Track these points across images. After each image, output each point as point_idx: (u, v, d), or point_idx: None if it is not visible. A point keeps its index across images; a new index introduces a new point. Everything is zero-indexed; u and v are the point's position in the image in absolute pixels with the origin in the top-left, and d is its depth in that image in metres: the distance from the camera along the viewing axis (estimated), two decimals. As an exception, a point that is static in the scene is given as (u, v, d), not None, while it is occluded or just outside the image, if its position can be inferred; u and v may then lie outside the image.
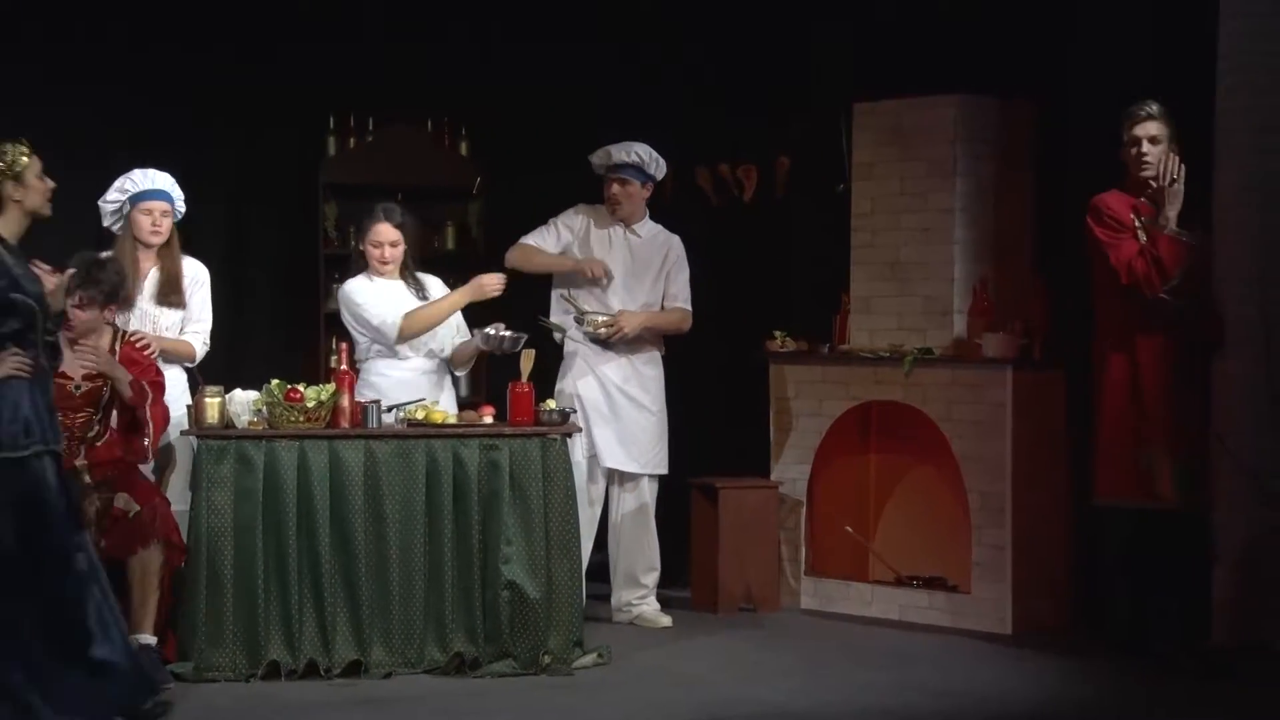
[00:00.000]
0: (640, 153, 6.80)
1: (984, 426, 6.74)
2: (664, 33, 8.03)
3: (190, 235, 6.53)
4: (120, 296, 5.90)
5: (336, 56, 7.91)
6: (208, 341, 6.36)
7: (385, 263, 6.39)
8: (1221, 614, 6.14)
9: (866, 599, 7.14)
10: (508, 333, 6.28)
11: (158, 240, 6.26)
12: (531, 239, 6.85)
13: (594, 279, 6.75)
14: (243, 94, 7.82)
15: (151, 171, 6.30)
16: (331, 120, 8.09)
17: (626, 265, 6.83)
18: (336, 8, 7.90)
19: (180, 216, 6.35)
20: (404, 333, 6.30)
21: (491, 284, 6.31)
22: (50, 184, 5.10)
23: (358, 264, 6.53)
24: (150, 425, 5.84)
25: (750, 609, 7.20)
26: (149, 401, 5.85)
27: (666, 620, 6.87)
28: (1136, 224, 6.14)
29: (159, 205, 6.25)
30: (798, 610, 7.24)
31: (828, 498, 7.36)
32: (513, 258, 6.85)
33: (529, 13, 8.09)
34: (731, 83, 7.91)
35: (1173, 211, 6.08)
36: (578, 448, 6.60)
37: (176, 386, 6.21)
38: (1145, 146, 6.13)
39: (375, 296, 6.38)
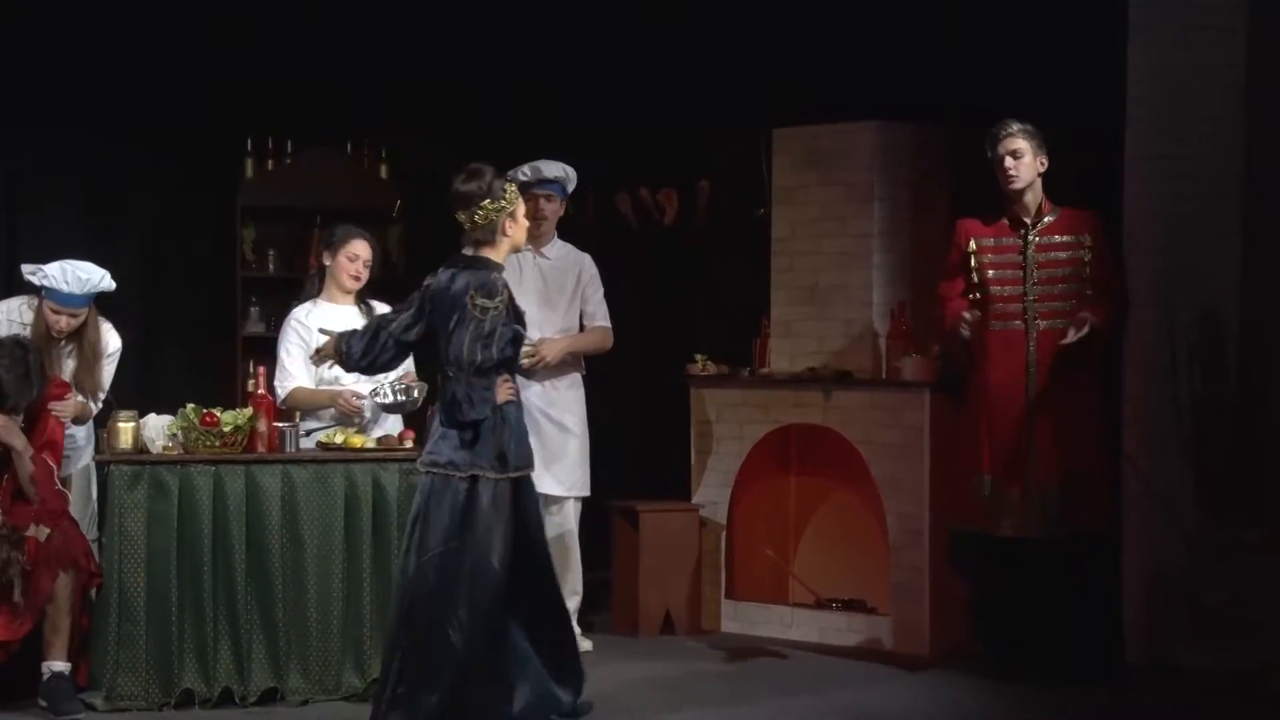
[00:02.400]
0: (565, 168, 6.80)
1: (902, 449, 6.79)
2: (585, 57, 8.05)
3: (105, 257, 6.42)
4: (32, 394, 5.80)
5: (255, 77, 7.85)
6: (100, 403, 6.19)
7: (357, 278, 6.34)
8: (1133, 633, 6.23)
9: (787, 622, 7.16)
10: (402, 397, 6.10)
11: (62, 335, 6.02)
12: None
13: None
14: (159, 115, 7.75)
15: (71, 274, 5.94)
16: (249, 142, 8.04)
17: (540, 291, 6.79)
18: (256, 29, 7.85)
19: (107, 290, 6.03)
20: (286, 406, 6.23)
21: (346, 407, 6.19)
22: (527, 221, 5.50)
23: (312, 284, 6.43)
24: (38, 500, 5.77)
25: (671, 632, 7.20)
26: (45, 486, 5.78)
27: (586, 644, 6.83)
28: (971, 249, 6.33)
29: (68, 310, 5.98)
30: (718, 633, 7.25)
31: (748, 521, 7.38)
32: None
33: (450, 37, 8.08)
34: (652, 107, 7.94)
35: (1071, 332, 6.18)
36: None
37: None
38: (1009, 161, 6.28)
39: (301, 343, 6.27)
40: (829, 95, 7.31)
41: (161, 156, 7.85)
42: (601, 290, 6.92)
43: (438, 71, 8.08)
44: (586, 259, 6.94)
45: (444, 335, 5.32)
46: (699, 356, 7.42)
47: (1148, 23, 6.25)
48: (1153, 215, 6.26)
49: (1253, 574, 5.89)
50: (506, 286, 5.36)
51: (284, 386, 6.26)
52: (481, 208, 5.36)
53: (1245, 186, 6.15)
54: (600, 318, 6.91)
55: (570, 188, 6.88)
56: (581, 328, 6.90)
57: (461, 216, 5.42)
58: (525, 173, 6.77)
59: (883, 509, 6.88)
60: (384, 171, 8.27)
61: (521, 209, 5.46)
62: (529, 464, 5.41)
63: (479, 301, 5.25)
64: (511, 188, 5.42)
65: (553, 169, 6.77)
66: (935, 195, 7.14)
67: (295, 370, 6.28)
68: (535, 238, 6.76)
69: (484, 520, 5.24)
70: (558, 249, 6.89)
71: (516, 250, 5.56)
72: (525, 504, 5.37)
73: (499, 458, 5.27)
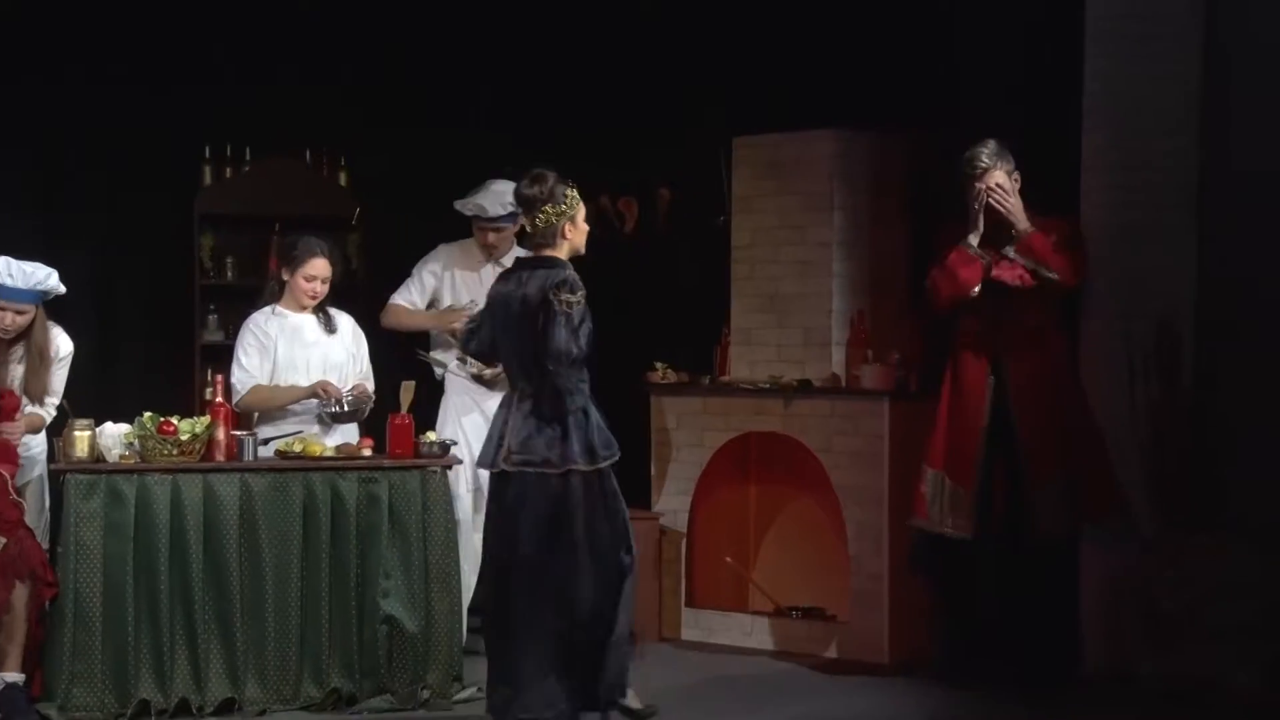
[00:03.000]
0: (510, 200, 6.61)
1: (862, 457, 6.81)
2: (545, 64, 8.04)
3: (61, 264, 6.35)
4: None
5: (213, 84, 7.81)
6: (54, 409, 6.12)
7: (314, 298, 6.33)
8: (1091, 639, 6.26)
9: (746, 630, 7.17)
10: (350, 407, 6.18)
11: (8, 337, 5.94)
12: (399, 298, 6.76)
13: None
14: (116, 121, 7.69)
15: (15, 267, 5.85)
16: (207, 149, 7.99)
17: None
18: (215, 35, 7.81)
19: (56, 294, 5.97)
20: (243, 405, 6.23)
21: (331, 391, 6.23)
22: (587, 226, 5.54)
23: (270, 293, 6.41)
24: None
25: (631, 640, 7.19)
26: (0, 497, 5.73)
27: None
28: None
29: (14, 306, 5.87)
30: (678, 641, 7.25)
31: (708, 529, 7.39)
32: (387, 321, 6.79)
33: (410, 44, 8.07)
34: (612, 116, 7.94)
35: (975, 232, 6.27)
36: (462, 480, 6.55)
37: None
38: (998, 195, 6.29)
39: (259, 345, 6.26)
40: (788, 103, 7.33)
41: (119, 163, 7.80)
42: None
43: (397, 78, 8.06)
44: None
45: (524, 336, 5.39)
46: (659, 364, 7.43)
47: (1105, 32, 6.29)
48: (1108, 223, 6.30)
49: (1209, 578, 5.92)
50: (581, 282, 5.48)
51: (243, 383, 6.22)
52: (543, 212, 5.46)
53: (1200, 194, 6.20)
54: (563, 327, 6.87)
55: (518, 210, 6.82)
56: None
57: (523, 220, 5.55)
58: (470, 209, 6.70)
59: (842, 517, 6.90)
60: (343, 179, 8.24)
61: (582, 213, 5.53)
62: (614, 453, 5.50)
63: (564, 296, 5.37)
64: (572, 192, 5.49)
65: (496, 207, 6.64)
66: (894, 204, 7.17)
67: (253, 369, 6.25)
68: (495, 256, 6.72)
69: (584, 511, 5.39)
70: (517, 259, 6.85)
71: (576, 253, 5.59)
72: (615, 490, 5.48)
73: (587, 450, 5.40)
